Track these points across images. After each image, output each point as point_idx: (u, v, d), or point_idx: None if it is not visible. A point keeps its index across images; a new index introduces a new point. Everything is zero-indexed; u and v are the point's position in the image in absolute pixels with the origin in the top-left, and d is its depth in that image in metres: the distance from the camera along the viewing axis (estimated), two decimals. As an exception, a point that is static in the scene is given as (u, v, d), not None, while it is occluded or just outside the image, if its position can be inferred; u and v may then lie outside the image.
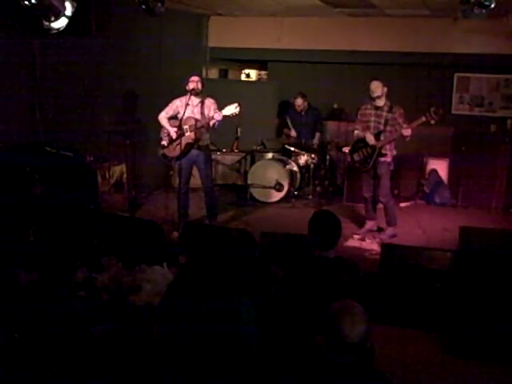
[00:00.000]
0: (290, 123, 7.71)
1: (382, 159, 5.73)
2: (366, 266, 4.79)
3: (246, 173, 7.66)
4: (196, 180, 6.10)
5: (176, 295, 2.64)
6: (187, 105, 5.59)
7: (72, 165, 5.50)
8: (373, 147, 5.71)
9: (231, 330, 2.48)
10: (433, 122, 5.42)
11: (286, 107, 8.37)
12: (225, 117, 5.63)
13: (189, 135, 5.66)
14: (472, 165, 7.27)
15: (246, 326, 2.54)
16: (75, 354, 2.57)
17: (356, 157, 5.94)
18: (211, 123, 5.65)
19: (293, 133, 7.69)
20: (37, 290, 2.67)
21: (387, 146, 5.73)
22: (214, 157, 7.79)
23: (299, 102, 7.56)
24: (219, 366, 2.46)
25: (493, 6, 4.68)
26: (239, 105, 5.61)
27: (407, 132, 5.47)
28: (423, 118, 5.42)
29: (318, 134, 7.66)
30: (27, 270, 2.81)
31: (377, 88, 5.64)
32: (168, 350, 2.53)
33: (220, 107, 5.75)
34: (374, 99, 5.69)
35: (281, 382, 2.22)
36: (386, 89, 5.69)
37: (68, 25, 4.61)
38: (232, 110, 5.60)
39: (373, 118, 5.78)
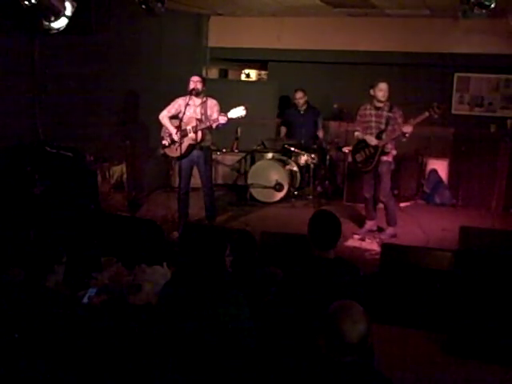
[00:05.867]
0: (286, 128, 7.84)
1: (385, 158, 5.73)
2: (366, 266, 4.80)
3: (245, 173, 7.66)
4: (196, 180, 6.10)
5: (172, 294, 2.65)
6: (187, 105, 5.57)
7: (72, 165, 5.49)
8: (375, 147, 5.71)
9: (229, 329, 2.48)
10: (436, 116, 5.40)
11: (286, 104, 8.38)
12: (231, 119, 5.62)
13: (192, 136, 5.65)
14: (472, 165, 7.28)
15: (243, 324, 2.54)
16: (74, 354, 2.57)
17: (358, 157, 5.93)
18: (214, 125, 5.63)
19: (283, 130, 7.82)
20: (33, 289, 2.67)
21: (388, 145, 5.73)
22: (214, 157, 7.80)
23: (299, 95, 7.56)
24: (218, 365, 2.46)
25: (493, 6, 4.68)
26: (246, 108, 5.59)
27: (407, 129, 5.43)
28: (426, 113, 5.40)
29: (321, 132, 7.66)
30: (26, 270, 2.82)
31: (387, 91, 5.62)
32: (166, 350, 2.53)
33: (221, 108, 5.74)
34: (379, 101, 5.67)
35: (281, 381, 2.22)
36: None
37: (68, 24, 4.62)
38: (239, 112, 5.56)
39: (373, 119, 5.77)
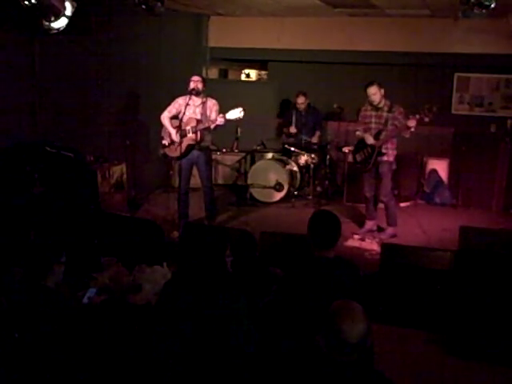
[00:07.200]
0: (293, 119, 7.68)
1: (384, 158, 5.73)
2: (366, 266, 4.80)
3: (246, 173, 7.66)
4: (196, 180, 6.11)
5: (172, 294, 2.65)
6: (187, 105, 5.57)
7: (72, 165, 5.49)
8: (372, 147, 5.72)
9: (229, 329, 2.48)
10: (427, 119, 5.40)
11: (287, 106, 8.38)
12: (228, 120, 5.63)
13: (191, 136, 5.65)
14: (472, 165, 7.28)
15: (243, 324, 2.54)
16: (74, 354, 2.58)
17: (358, 157, 5.96)
18: (213, 126, 5.63)
19: (293, 129, 7.63)
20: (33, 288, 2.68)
21: (388, 146, 5.72)
22: (214, 157, 7.80)
23: (301, 99, 7.56)
24: (218, 365, 2.46)
25: (493, 5, 4.68)
26: (243, 109, 5.58)
27: (411, 123, 5.38)
28: (417, 116, 5.40)
29: (318, 132, 7.66)
30: (26, 270, 2.82)
31: (374, 95, 5.63)
32: (166, 350, 2.53)
33: (221, 108, 5.74)
34: (375, 105, 5.68)
35: (281, 382, 2.22)
36: (383, 90, 5.69)
37: (68, 25, 4.61)
38: (236, 114, 5.57)
39: (373, 119, 5.79)
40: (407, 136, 5.59)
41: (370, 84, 5.67)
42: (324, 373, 2.07)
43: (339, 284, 2.80)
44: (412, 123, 5.40)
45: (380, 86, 5.67)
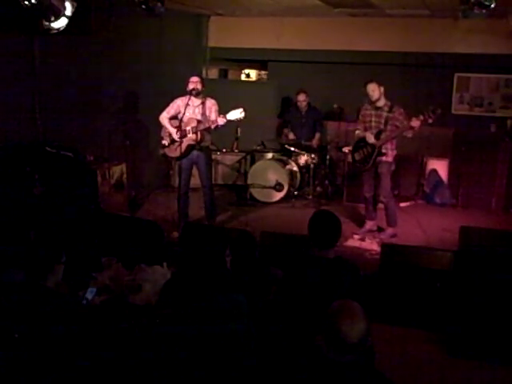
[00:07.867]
0: (292, 121, 7.71)
1: (384, 159, 5.73)
2: (366, 266, 4.80)
3: (245, 173, 7.66)
4: (196, 180, 6.10)
5: (173, 294, 2.65)
6: (187, 105, 5.57)
7: (72, 165, 5.49)
8: (372, 146, 5.72)
9: (229, 329, 2.48)
10: (430, 121, 5.41)
11: (287, 105, 8.39)
12: (229, 121, 5.63)
13: (191, 136, 5.66)
14: (472, 165, 7.27)
15: (243, 324, 2.54)
16: (74, 354, 2.57)
17: (357, 156, 5.96)
18: (213, 126, 5.64)
19: (291, 136, 7.70)
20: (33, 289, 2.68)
21: (388, 146, 5.72)
22: (214, 157, 7.80)
23: (302, 97, 7.57)
24: (217, 365, 2.46)
25: (493, 5, 4.68)
26: (244, 110, 5.59)
27: (415, 123, 5.38)
28: (421, 117, 5.40)
29: (318, 135, 7.68)
30: (26, 270, 2.82)
31: (374, 91, 5.65)
32: (166, 350, 2.53)
33: (221, 108, 5.75)
34: (374, 101, 5.70)
35: (281, 381, 2.22)
36: (382, 88, 5.70)
37: (68, 25, 4.61)
38: (237, 115, 5.58)
39: (373, 119, 5.79)
40: (410, 136, 5.59)
41: (369, 81, 5.69)
42: (324, 373, 2.07)
43: (339, 284, 2.80)
44: (416, 123, 5.40)
45: (379, 84, 5.68)
